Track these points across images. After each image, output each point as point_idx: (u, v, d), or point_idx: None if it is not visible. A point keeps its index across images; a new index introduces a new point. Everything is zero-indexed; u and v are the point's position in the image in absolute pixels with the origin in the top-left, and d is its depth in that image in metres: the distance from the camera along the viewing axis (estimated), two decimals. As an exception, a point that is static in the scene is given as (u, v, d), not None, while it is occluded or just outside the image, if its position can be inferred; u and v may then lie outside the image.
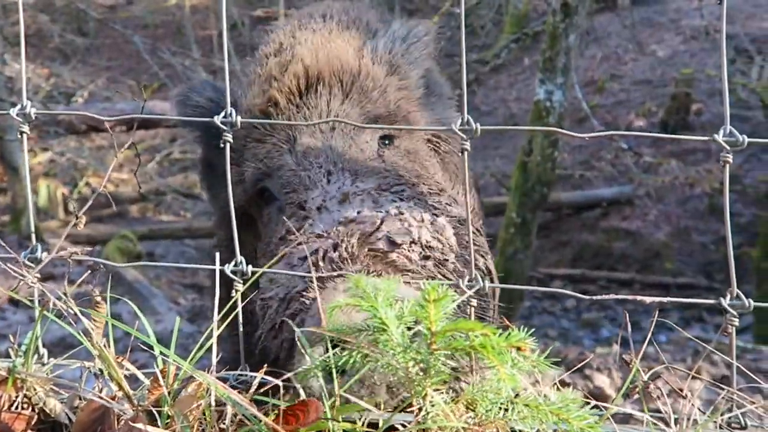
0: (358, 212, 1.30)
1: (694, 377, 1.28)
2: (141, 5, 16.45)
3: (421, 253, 1.23)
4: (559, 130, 1.14)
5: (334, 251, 1.20)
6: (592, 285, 8.26)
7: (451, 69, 11.62)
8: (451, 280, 1.18)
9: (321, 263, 1.19)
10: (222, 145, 1.16)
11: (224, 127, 1.12)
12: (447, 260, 1.25)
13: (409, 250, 1.21)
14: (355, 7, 1.90)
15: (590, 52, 11.69)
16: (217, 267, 1.05)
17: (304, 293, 1.16)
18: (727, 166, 1.00)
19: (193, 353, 0.93)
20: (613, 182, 9.19)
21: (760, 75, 8.88)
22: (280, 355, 1.18)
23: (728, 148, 0.98)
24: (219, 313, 1.09)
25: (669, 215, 8.59)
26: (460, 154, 1.05)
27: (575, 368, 1.47)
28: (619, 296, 1.06)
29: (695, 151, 8.99)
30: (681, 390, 0.99)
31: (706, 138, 1.00)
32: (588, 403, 0.84)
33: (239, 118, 1.12)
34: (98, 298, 1.16)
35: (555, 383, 0.92)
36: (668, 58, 11.42)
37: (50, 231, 8.75)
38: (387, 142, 1.62)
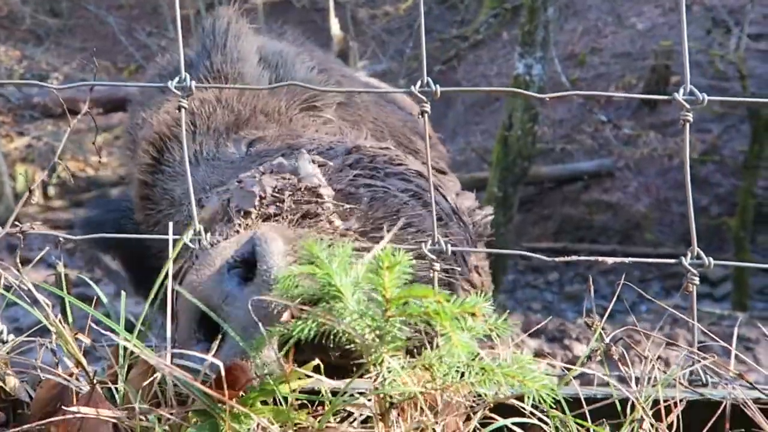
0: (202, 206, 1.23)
1: (669, 343, 1.29)
2: (115, -15, 16.13)
3: (274, 201, 1.14)
4: (520, 91, 1.12)
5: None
6: (574, 257, 8.31)
7: (429, 45, 11.53)
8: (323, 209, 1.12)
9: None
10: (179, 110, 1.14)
11: (178, 93, 1.10)
12: (317, 190, 1.17)
13: (262, 208, 1.13)
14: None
15: (570, 25, 11.66)
16: (171, 236, 1.04)
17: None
18: (687, 125, 1.00)
19: (137, 329, 0.92)
20: (594, 155, 9.23)
21: (737, 46, 8.90)
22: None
23: (687, 106, 0.98)
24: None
25: (649, 187, 8.66)
26: (419, 116, 1.04)
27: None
28: (581, 258, 1.06)
29: (674, 122, 9.03)
30: (641, 352, 1.00)
31: (667, 98, 1.00)
32: (549, 365, 0.84)
33: (194, 83, 1.10)
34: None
35: (513, 348, 0.92)
36: (647, 30, 11.41)
37: (28, 216, 8.65)
38: (252, 144, 1.56)
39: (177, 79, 1.10)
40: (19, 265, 0.94)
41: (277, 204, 1.14)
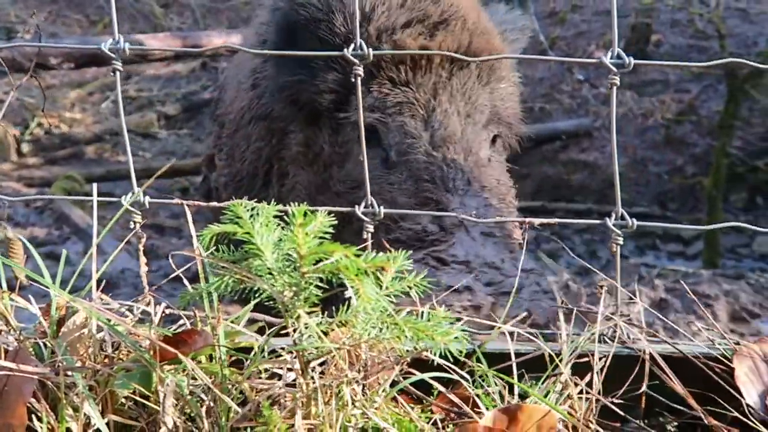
0: (502, 260, 1.33)
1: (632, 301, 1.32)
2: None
3: None
4: (457, 56, 1.12)
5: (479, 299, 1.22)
6: (551, 216, 8.40)
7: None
8: None
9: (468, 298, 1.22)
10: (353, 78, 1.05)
11: (112, 55, 1.08)
12: None
13: None
14: None
15: (552, -19, 11.50)
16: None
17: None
18: (614, 88, 1.00)
19: (73, 279, 0.93)
20: (573, 114, 9.22)
21: (717, 3, 8.86)
22: None
23: (615, 70, 0.99)
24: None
25: (626, 146, 8.69)
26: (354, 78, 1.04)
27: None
28: (523, 219, 1.08)
29: (653, 82, 9.03)
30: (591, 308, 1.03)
31: (593, 60, 1.00)
32: (459, 320, 0.86)
33: (127, 45, 1.08)
34: (10, 235, 1.14)
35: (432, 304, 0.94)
36: (629, -13, 11.29)
37: (2, 174, 8.51)
38: (494, 141, 1.67)
39: (110, 41, 1.08)
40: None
41: None
